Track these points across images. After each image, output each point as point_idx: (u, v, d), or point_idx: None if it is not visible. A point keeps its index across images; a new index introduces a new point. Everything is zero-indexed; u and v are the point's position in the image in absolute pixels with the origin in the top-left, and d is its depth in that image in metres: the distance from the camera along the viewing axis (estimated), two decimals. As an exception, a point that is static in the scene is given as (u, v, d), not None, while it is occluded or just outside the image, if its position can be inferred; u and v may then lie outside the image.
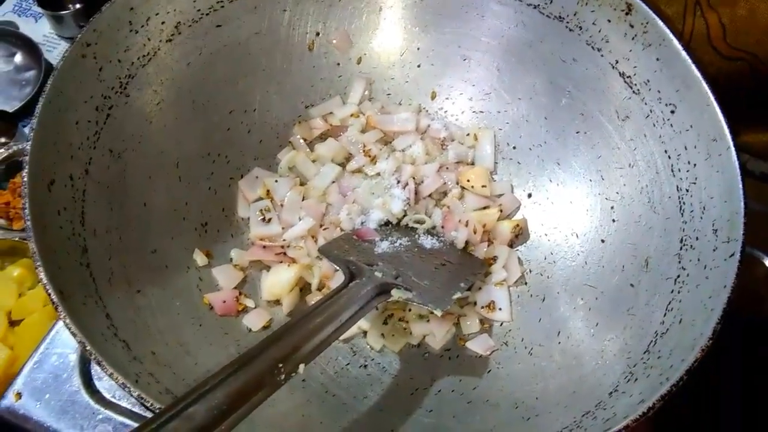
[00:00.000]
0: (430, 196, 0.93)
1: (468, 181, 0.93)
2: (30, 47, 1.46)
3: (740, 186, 0.68)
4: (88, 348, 0.56)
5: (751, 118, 1.06)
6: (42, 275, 0.60)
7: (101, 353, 0.57)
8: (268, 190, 0.91)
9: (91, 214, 0.71)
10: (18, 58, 1.48)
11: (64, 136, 0.71)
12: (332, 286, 0.85)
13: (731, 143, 0.70)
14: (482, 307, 0.86)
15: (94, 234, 0.71)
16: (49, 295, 0.59)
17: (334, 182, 0.93)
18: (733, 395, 0.94)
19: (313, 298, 0.86)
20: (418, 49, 0.98)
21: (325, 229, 0.89)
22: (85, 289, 0.66)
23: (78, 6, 1.48)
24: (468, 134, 0.97)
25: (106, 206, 0.74)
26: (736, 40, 0.99)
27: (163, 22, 0.81)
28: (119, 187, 0.77)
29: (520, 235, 0.91)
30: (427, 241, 0.86)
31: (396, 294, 0.74)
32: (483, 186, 0.93)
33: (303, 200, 0.91)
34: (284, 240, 0.88)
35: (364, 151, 0.94)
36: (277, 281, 0.86)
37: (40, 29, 1.54)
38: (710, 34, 1.00)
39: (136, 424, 0.80)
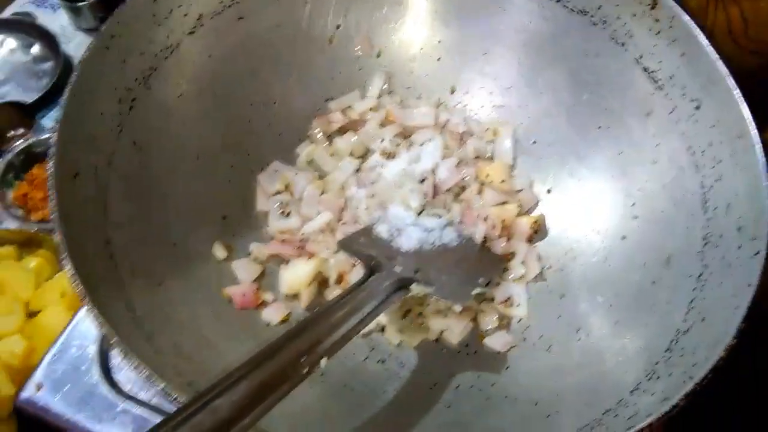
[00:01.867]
0: (448, 190, 0.93)
1: (487, 176, 0.93)
2: (47, 38, 1.46)
3: (765, 183, 0.67)
4: (114, 340, 0.57)
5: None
6: (68, 267, 0.60)
7: (128, 345, 0.57)
8: (287, 184, 0.91)
9: (114, 207, 0.72)
10: (35, 48, 1.48)
11: (89, 128, 0.71)
12: (351, 280, 0.85)
13: (756, 140, 0.69)
14: (500, 303, 0.86)
15: (117, 226, 0.71)
16: (76, 286, 0.59)
17: (352, 176, 0.93)
18: (745, 389, 0.94)
19: (332, 293, 0.86)
20: (439, 42, 0.98)
21: (343, 223, 0.89)
22: (109, 281, 0.66)
23: (95, -3, 1.48)
24: (487, 129, 0.97)
25: (128, 198, 0.75)
26: (759, 33, 0.98)
27: (185, 15, 0.81)
28: (141, 180, 0.77)
29: (538, 231, 0.91)
30: (446, 236, 0.86)
31: (416, 289, 0.74)
32: (502, 181, 0.92)
33: (321, 194, 0.91)
34: (303, 234, 0.88)
35: (381, 149, 0.94)
36: (296, 275, 0.86)
37: (57, 20, 1.54)
38: (732, 29, 0.99)
39: (154, 416, 0.82)
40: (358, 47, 0.97)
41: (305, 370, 0.58)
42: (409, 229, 0.84)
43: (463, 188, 0.93)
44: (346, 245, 0.81)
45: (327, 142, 0.96)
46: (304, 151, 0.94)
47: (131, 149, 0.76)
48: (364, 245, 0.80)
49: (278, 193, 0.91)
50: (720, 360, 0.58)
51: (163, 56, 0.80)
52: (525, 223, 0.90)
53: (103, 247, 0.68)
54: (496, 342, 0.83)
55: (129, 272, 0.70)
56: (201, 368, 0.68)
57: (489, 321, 0.85)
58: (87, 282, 0.60)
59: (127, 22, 0.75)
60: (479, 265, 0.84)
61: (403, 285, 0.73)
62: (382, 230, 0.83)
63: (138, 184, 0.77)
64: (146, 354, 0.61)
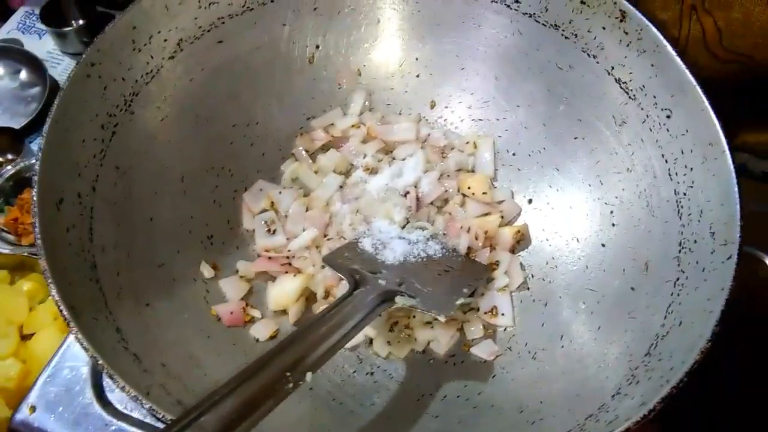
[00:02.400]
0: (431, 203, 0.94)
1: (468, 188, 0.94)
2: (34, 64, 1.48)
3: (735, 189, 0.68)
4: (100, 362, 0.58)
5: (750, 118, 1.07)
6: (53, 292, 0.61)
7: (113, 367, 0.58)
8: (272, 202, 0.92)
9: (99, 231, 0.73)
10: (23, 74, 1.50)
11: (72, 155, 0.72)
12: (337, 294, 0.87)
13: (726, 147, 0.71)
14: (485, 313, 0.87)
15: (103, 250, 0.73)
16: (61, 311, 0.60)
17: (336, 192, 0.94)
18: (739, 395, 0.95)
19: (319, 307, 0.88)
20: (417, 59, 0.99)
21: (329, 239, 0.91)
22: (95, 304, 0.67)
23: (81, 22, 1.50)
24: (467, 142, 0.98)
25: (113, 222, 0.76)
26: (732, 43, 1.00)
27: (165, 40, 0.83)
28: (126, 204, 0.78)
29: (521, 241, 0.92)
30: (430, 248, 0.87)
31: (400, 301, 0.75)
32: (483, 193, 0.94)
33: (306, 211, 0.92)
34: (289, 251, 0.89)
35: (363, 164, 0.95)
36: (283, 291, 0.87)
37: (44, 46, 1.56)
38: (706, 39, 1.01)
39: (147, 436, 0.83)
40: (338, 66, 0.99)
41: (290, 386, 0.59)
42: (393, 242, 0.86)
43: (446, 201, 0.95)
44: (331, 261, 0.83)
45: (310, 160, 0.97)
46: (288, 169, 0.96)
47: (115, 174, 0.77)
48: (348, 260, 0.82)
49: (264, 211, 0.92)
50: (695, 363, 0.60)
51: (144, 81, 0.81)
52: (507, 234, 0.92)
53: (88, 271, 0.69)
54: (482, 351, 0.84)
55: (115, 295, 0.71)
56: (190, 387, 0.69)
57: (475, 330, 0.86)
58: (72, 306, 0.61)
59: (106, 50, 0.76)
60: (463, 275, 0.85)
61: (388, 298, 0.75)
62: (366, 244, 0.85)
63: (123, 208, 0.78)
64: (133, 375, 0.63)
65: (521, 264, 0.91)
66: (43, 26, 1.50)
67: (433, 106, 1.01)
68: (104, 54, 0.77)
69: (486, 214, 0.94)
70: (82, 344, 0.58)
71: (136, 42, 0.80)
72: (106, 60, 0.77)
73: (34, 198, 0.65)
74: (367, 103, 1.00)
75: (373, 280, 0.76)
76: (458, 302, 0.79)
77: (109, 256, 0.73)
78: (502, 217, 0.93)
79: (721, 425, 0.93)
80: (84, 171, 0.74)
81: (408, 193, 0.93)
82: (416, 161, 0.96)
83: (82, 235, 0.71)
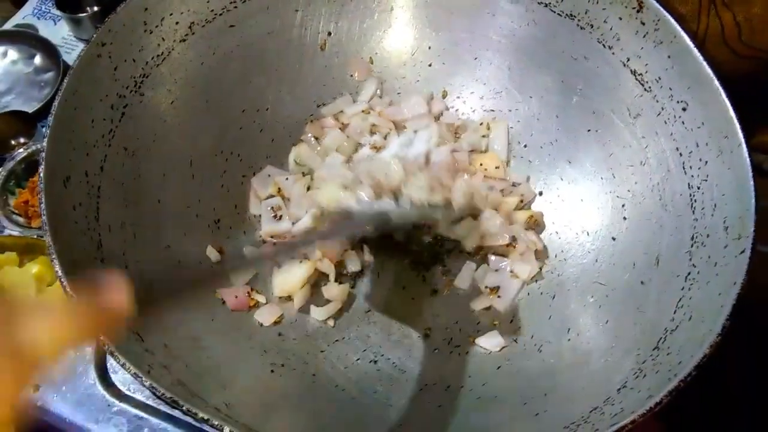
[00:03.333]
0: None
1: (481, 164, 0.93)
2: (49, 49, 1.48)
3: (751, 183, 0.67)
4: (102, 338, 0.57)
5: (768, 118, 1.05)
6: (57, 268, 0.61)
7: (115, 344, 0.58)
8: (279, 188, 0.92)
9: (105, 210, 0.73)
10: (37, 59, 1.50)
11: (80, 134, 0.72)
12: (351, 269, 0.88)
13: (742, 140, 0.69)
14: (486, 287, 0.86)
15: (109, 230, 0.72)
16: (64, 287, 0.60)
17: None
18: (747, 392, 0.93)
19: (330, 290, 0.86)
20: (429, 48, 0.98)
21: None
22: (99, 283, 0.67)
23: (96, 9, 1.50)
24: (481, 123, 0.97)
25: (120, 203, 0.76)
26: (752, 38, 0.98)
27: (177, 23, 0.83)
28: (134, 184, 0.78)
29: (534, 229, 0.91)
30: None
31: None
32: (496, 167, 0.93)
33: (308, 191, 0.91)
34: (294, 236, 0.88)
35: (371, 143, 0.94)
36: (289, 278, 0.86)
37: (58, 32, 1.56)
38: (725, 34, 0.99)
39: (150, 417, 0.83)
40: (350, 54, 0.98)
41: None
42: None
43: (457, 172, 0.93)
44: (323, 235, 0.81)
45: (315, 142, 0.97)
46: (293, 152, 0.95)
47: (123, 155, 0.77)
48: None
49: (271, 197, 0.92)
50: (705, 357, 0.58)
51: (155, 63, 0.81)
52: (521, 218, 0.90)
53: (95, 250, 0.69)
54: (488, 343, 0.83)
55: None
56: (192, 368, 0.68)
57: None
58: (76, 284, 0.61)
59: (118, 31, 0.76)
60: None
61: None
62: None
63: (130, 188, 0.78)
64: (135, 353, 0.62)
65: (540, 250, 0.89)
66: (58, 12, 1.51)
67: (444, 95, 1.00)
68: (115, 34, 0.77)
69: (502, 193, 0.92)
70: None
71: (147, 24, 0.80)
72: (117, 40, 0.77)
73: (41, 174, 0.65)
74: (378, 91, 0.99)
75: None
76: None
77: (115, 235, 0.73)
78: (522, 200, 0.92)
79: (726, 425, 0.92)
80: (92, 150, 0.74)
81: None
82: (428, 134, 0.94)
83: (89, 213, 0.71)
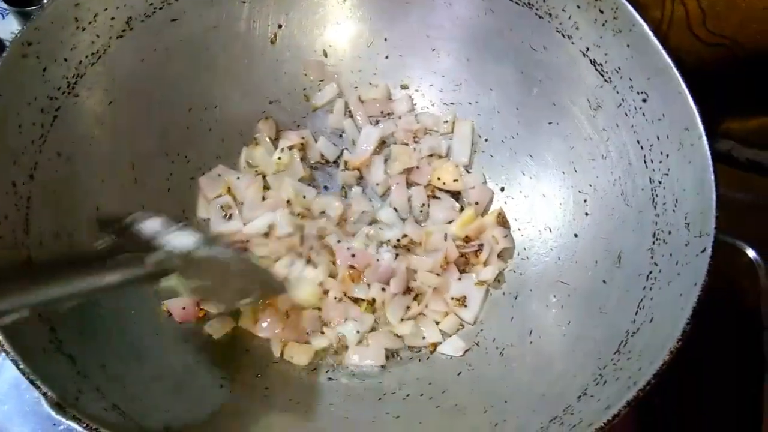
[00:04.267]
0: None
1: (439, 179, 0.90)
2: (-3, 46, 1.42)
3: (712, 177, 0.65)
4: (20, 366, 0.53)
5: (735, 104, 1.03)
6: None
7: (36, 371, 0.54)
8: (229, 188, 0.88)
9: (36, 222, 0.68)
10: (-15, 56, 1.44)
11: (6, 141, 0.67)
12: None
13: (703, 132, 0.67)
14: (452, 298, 0.83)
15: (40, 243, 0.68)
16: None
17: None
18: (719, 389, 0.92)
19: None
20: (386, 39, 0.95)
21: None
22: (26, 302, 0.63)
23: (46, 2, 1.43)
24: (446, 121, 0.94)
25: (53, 212, 0.71)
26: (716, 25, 0.96)
27: (112, 18, 0.78)
28: (68, 192, 0.74)
29: (505, 224, 0.88)
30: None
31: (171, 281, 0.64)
32: (455, 180, 0.90)
33: (264, 199, 0.88)
34: (247, 241, 0.85)
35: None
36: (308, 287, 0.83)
37: (7, 27, 1.48)
38: (690, 20, 0.97)
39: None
40: (303, 48, 0.94)
41: None
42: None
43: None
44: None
45: (272, 145, 0.93)
46: (244, 152, 0.92)
47: (56, 161, 0.73)
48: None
49: (219, 196, 0.88)
50: (664, 364, 0.56)
51: (90, 62, 0.76)
52: (491, 221, 0.87)
53: (21, 266, 0.65)
54: (449, 347, 0.80)
55: (52, 291, 0.66)
56: (130, 390, 0.65)
57: (432, 315, 0.83)
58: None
59: (46, 29, 0.71)
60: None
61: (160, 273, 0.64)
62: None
63: (64, 196, 0.73)
64: (62, 378, 0.58)
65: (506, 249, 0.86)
66: (6, 6, 1.44)
67: (404, 88, 0.96)
68: (43, 33, 0.71)
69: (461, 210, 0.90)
70: (2, 346, 0.54)
71: (79, 20, 0.75)
72: (45, 39, 0.72)
73: (-41, 188, 0.61)
74: (338, 91, 0.96)
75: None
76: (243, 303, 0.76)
77: (47, 248, 0.68)
78: (477, 207, 0.89)
79: (698, 421, 0.91)
80: (20, 158, 0.69)
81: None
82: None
83: (16, 227, 0.66)
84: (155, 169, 0.84)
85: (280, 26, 0.92)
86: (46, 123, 0.72)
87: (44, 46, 0.71)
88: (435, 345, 0.81)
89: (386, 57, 0.95)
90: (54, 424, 0.81)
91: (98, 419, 0.54)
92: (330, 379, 0.78)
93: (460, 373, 0.77)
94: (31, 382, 0.53)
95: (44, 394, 0.53)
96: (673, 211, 0.69)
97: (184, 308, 0.79)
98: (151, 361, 0.70)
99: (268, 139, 0.93)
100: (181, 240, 0.64)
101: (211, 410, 0.70)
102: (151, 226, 0.66)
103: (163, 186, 0.85)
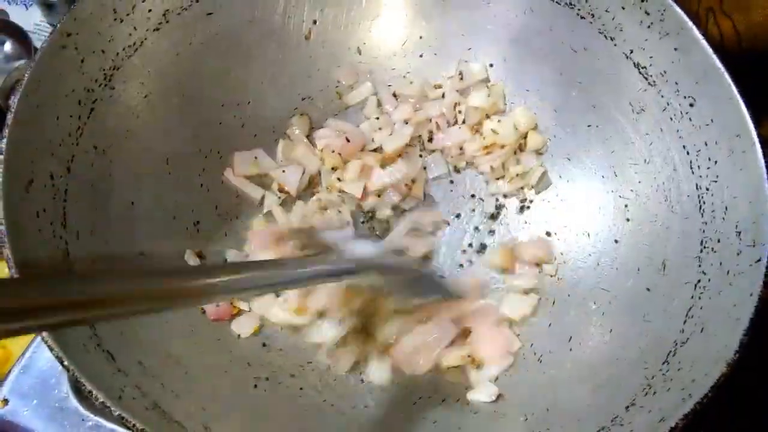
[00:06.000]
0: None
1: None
2: (20, 36, 1.41)
3: (766, 185, 0.63)
4: (65, 363, 0.52)
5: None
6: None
7: (81, 369, 0.53)
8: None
9: (73, 215, 0.67)
10: (7, 46, 1.43)
11: (44, 133, 0.66)
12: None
13: (756, 139, 0.65)
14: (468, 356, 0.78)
15: (77, 237, 0.67)
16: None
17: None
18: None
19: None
20: (421, 38, 0.93)
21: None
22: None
23: (70, -7, 1.43)
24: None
25: (90, 206, 0.70)
26: (752, 46, 0.94)
27: (149, 10, 0.77)
28: (104, 186, 0.73)
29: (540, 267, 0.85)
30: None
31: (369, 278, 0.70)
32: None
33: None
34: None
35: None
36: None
37: (30, 17, 1.49)
38: (724, 42, 0.95)
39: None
40: (337, 44, 0.92)
41: None
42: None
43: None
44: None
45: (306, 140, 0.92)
46: (281, 145, 0.91)
47: (93, 154, 0.71)
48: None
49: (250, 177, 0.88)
50: (722, 377, 0.55)
51: (126, 55, 0.75)
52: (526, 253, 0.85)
53: (60, 260, 0.64)
54: (483, 395, 0.75)
55: (89, 286, 0.65)
56: (168, 386, 0.63)
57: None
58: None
59: (85, 19, 0.70)
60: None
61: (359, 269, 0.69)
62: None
63: (100, 190, 0.72)
64: (105, 376, 0.57)
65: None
66: (29, -4, 1.44)
67: (437, 88, 0.94)
68: (82, 24, 0.70)
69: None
70: (46, 342, 0.53)
71: (117, 11, 0.74)
72: (83, 30, 0.70)
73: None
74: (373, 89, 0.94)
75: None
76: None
77: (84, 243, 0.67)
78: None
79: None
80: (58, 150, 0.68)
81: None
82: None
83: (55, 219, 0.65)
84: (188, 165, 0.83)
85: (314, 22, 0.90)
86: (83, 115, 0.71)
87: (82, 37, 0.70)
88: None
89: (420, 56, 0.94)
90: (82, 420, 0.81)
91: (142, 418, 0.52)
92: (363, 381, 0.76)
93: (497, 379, 0.76)
94: (78, 379, 0.52)
95: (89, 393, 0.52)
96: (723, 219, 0.67)
97: (217, 305, 0.77)
98: (186, 360, 0.69)
99: (299, 132, 0.91)
100: (362, 247, 0.71)
101: (246, 411, 0.69)
102: (334, 235, 0.75)
103: (196, 182, 0.84)
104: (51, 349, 0.53)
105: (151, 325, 0.69)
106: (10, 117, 0.62)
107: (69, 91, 0.69)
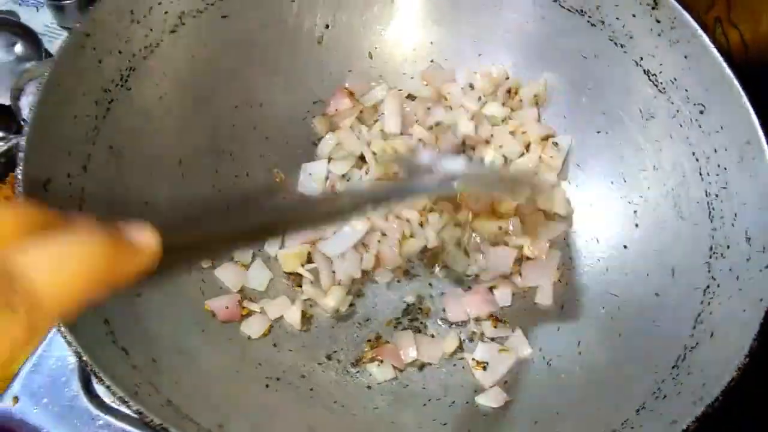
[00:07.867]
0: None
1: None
2: (31, 37, 1.42)
3: (775, 192, 0.64)
4: (84, 359, 0.53)
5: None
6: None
7: (99, 364, 0.53)
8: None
9: (89, 215, 0.68)
10: (18, 48, 1.44)
11: (62, 132, 0.67)
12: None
13: (766, 147, 0.66)
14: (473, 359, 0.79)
15: (93, 236, 0.67)
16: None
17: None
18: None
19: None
20: (431, 43, 0.94)
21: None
22: (82, 294, 0.62)
23: (86, -6, 1.44)
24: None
25: (105, 205, 0.70)
26: (761, 57, 0.95)
27: (166, 12, 0.77)
28: (119, 186, 0.73)
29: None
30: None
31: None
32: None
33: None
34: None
35: None
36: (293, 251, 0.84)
37: (41, 19, 1.50)
38: (731, 52, 0.96)
39: (136, 430, 0.78)
40: (348, 48, 0.93)
41: None
42: None
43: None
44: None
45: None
46: (327, 141, 0.93)
47: (108, 154, 0.72)
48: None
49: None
50: (732, 380, 0.55)
51: (142, 56, 0.76)
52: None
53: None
54: (490, 400, 0.75)
55: (104, 284, 0.66)
56: (181, 384, 0.64)
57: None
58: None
59: (103, 20, 0.71)
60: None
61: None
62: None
63: (116, 190, 0.73)
64: (121, 371, 0.58)
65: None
66: (40, -2, 1.45)
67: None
68: (100, 24, 0.71)
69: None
70: (65, 337, 0.53)
71: (134, 13, 0.75)
72: (101, 31, 0.71)
73: (19, 177, 0.60)
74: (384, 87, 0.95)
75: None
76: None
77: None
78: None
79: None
80: (75, 149, 0.68)
81: None
82: None
83: (71, 218, 0.66)
84: (201, 166, 0.84)
85: (327, 26, 0.91)
86: (100, 115, 0.72)
87: (101, 37, 0.71)
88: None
89: (431, 60, 0.95)
90: (92, 418, 0.81)
91: (159, 414, 0.53)
92: (378, 383, 0.77)
93: (506, 382, 0.76)
94: (96, 375, 0.52)
95: (108, 388, 0.52)
96: (732, 225, 0.68)
97: (226, 307, 0.78)
98: (199, 359, 0.70)
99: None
100: (453, 164, 0.70)
101: (257, 412, 0.69)
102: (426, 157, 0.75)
103: (208, 182, 0.84)
104: (69, 344, 0.53)
105: (163, 323, 0.70)
106: (29, 115, 0.63)
107: (86, 91, 0.70)
